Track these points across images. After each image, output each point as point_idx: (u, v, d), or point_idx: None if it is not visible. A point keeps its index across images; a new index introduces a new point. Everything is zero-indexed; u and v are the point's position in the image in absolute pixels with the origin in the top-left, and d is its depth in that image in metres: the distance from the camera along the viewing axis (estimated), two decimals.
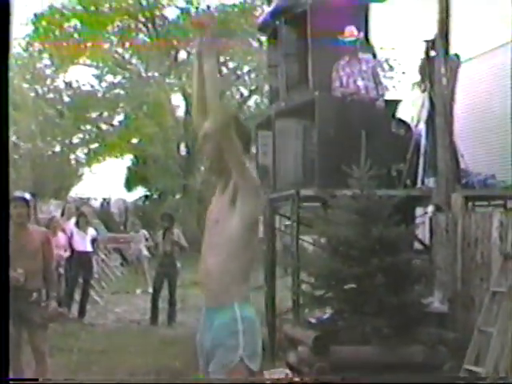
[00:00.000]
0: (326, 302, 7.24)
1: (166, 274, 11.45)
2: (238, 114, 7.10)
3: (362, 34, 8.51)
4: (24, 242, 6.14)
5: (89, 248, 11.89)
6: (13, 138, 24.07)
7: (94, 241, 12.20)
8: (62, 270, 11.09)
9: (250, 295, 3.48)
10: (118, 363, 7.96)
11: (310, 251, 9.24)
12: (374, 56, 9.04)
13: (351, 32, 8.31)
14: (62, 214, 13.57)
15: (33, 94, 24.98)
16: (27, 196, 6.42)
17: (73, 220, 12.23)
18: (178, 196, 28.44)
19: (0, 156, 1.80)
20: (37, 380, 2.22)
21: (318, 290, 7.24)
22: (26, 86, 24.47)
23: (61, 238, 11.13)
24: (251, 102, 27.53)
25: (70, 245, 11.53)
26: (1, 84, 1.84)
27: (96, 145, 27.76)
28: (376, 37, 9.16)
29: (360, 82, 8.41)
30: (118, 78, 26.74)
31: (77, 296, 11.83)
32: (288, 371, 6.26)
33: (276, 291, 9.30)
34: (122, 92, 26.47)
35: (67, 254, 11.37)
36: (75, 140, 27.60)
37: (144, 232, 18.52)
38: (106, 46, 26.32)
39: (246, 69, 26.54)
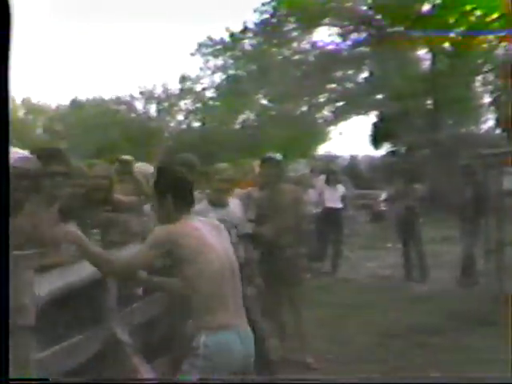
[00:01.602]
0: None
1: (409, 230, 11.27)
2: None
3: None
4: (277, 200, 6.36)
5: (339, 204, 12.04)
6: (263, 101, 25.02)
7: (343, 197, 12.32)
8: (313, 226, 11.38)
9: None
10: (370, 318, 8.01)
11: None
12: None
13: None
14: (311, 172, 13.87)
15: (280, 57, 25.67)
16: (278, 156, 6.62)
17: (322, 177, 12.45)
18: (425, 151, 27.84)
19: (0, 152, 1.84)
20: (37, 380, 2.26)
21: None
22: (274, 50, 25.19)
23: (311, 194, 11.39)
24: None
25: (321, 202, 11.77)
26: (1, 83, 1.85)
27: (341, 103, 27.95)
28: None
29: None
30: (363, 36, 26.61)
31: (329, 251, 12.09)
32: None
33: None
34: (366, 49, 26.32)
35: (318, 210, 11.63)
36: (321, 99, 28.00)
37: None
38: (349, 4, 26.23)
39: None
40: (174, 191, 3.72)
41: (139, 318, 4.99)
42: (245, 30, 24.03)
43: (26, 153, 4.17)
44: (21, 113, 36.33)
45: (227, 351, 3.64)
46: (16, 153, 4.05)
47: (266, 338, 5.39)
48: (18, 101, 36.27)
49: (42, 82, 57.05)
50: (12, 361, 3.39)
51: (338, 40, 26.68)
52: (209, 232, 3.79)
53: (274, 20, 26.12)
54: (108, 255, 3.74)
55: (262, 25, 24.01)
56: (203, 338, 3.62)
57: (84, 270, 4.05)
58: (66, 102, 34.14)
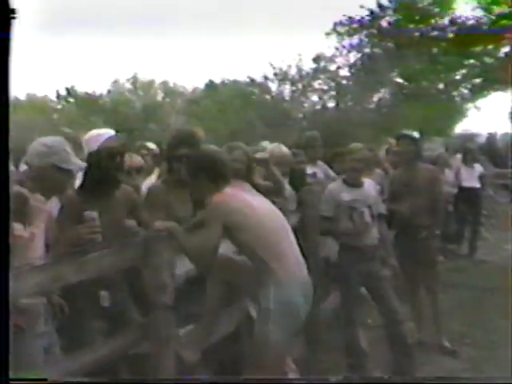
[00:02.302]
0: None
1: None
2: None
3: None
4: (412, 179, 6.24)
5: (476, 184, 11.66)
6: (399, 79, 24.52)
7: (481, 177, 11.90)
8: (450, 207, 11.09)
9: None
10: (508, 302, 7.72)
11: None
12: None
13: None
14: (446, 150, 13.49)
15: (417, 34, 25.01)
16: (415, 134, 6.49)
17: (459, 156, 12.09)
18: None
19: (0, 151, 1.82)
20: (37, 380, 2.22)
21: None
22: (411, 26, 24.57)
23: (448, 174, 11.09)
24: None
25: (457, 181, 11.44)
26: (1, 84, 1.83)
27: (479, 79, 26.91)
28: None
29: None
30: (504, 9, 25.43)
31: (466, 233, 11.75)
32: None
33: None
34: (510, 22, 25.15)
35: (455, 190, 11.31)
36: (458, 76, 27.09)
37: None
38: None
39: None
40: (208, 171, 3.83)
41: None
42: (381, 7, 23.56)
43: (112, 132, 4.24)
44: (159, 96, 37.55)
45: (292, 304, 3.72)
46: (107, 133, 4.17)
47: (401, 321, 5.32)
48: (157, 84, 37.50)
49: (179, 65, 58.60)
50: (153, 336, 3.55)
51: (480, 13, 25.65)
52: (252, 197, 3.92)
53: None
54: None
55: (399, 1, 23.46)
56: (270, 294, 3.68)
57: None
58: (202, 84, 34.93)
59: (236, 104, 26.62)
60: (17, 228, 3.16)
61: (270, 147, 6.09)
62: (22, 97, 38.27)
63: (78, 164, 3.71)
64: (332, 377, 3.09)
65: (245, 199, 3.82)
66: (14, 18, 1.72)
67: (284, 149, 6.09)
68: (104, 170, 3.98)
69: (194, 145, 4.45)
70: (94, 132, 4.21)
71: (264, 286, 3.71)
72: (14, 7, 1.73)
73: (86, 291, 3.73)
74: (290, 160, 6.08)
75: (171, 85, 38.98)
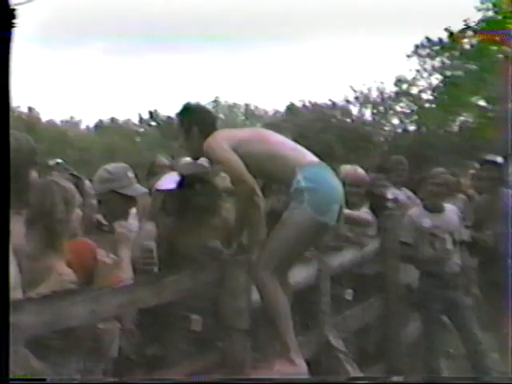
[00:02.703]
0: None
1: None
2: None
3: None
4: (497, 205, 6.08)
5: None
6: (481, 102, 24.00)
7: None
8: None
9: None
10: None
11: None
12: None
13: None
14: None
15: (500, 56, 24.47)
16: (499, 159, 6.32)
17: None
18: None
19: (0, 152, 1.78)
20: (37, 380, 2.15)
21: None
22: (494, 48, 24.05)
23: None
24: None
25: None
26: (1, 84, 1.78)
27: None
28: None
29: None
30: None
31: None
32: None
33: None
34: None
35: None
36: None
37: None
38: None
39: None
40: (199, 123, 3.83)
41: (353, 324, 4.98)
42: (465, 29, 23.17)
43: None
44: (240, 118, 37.93)
45: (325, 178, 3.68)
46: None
47: (485, 352, 5.15)
48: (238, 107, 37.93)
49: (260, 88, 59.20)
50: (229, 361, 3.54)
51: None
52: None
53: (498, 17, 24.90)
54: None
55: (483, 23, 23.03)
56: (299, 175, 3.60)
57: (298, 274, 4.11)
58: (282, 107, 35.11)
59: (316, 127, 26.60)
60: (101, 254, 3.25)
61: (346, 169, 6.03)
62: (106, 120, 39.30)
63: (139, 190, 3.83)
64: (332, 377, 2.99)
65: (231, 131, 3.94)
66: (13, 18, 1.73)
67: (360, 171, 6.01)
68: (199, 194, 4.05)
69: None
70: (187, 159, 4.36)
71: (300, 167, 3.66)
72: (14, 8, 1.74)
73: (178, 314, 3.79)
74: (365, 182, 5.99)
75: (252, 107, 39.37)
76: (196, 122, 3.86)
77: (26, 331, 2.47)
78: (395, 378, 2.00)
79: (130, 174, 3.82)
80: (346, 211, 5.36)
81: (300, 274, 4.15)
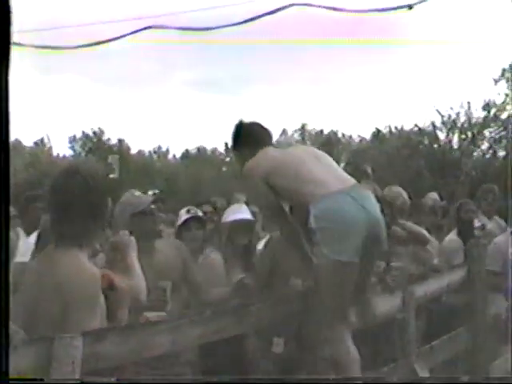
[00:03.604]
0: None
1: None
2: None
3: None
4: None
5: None
6: None
7: None
8: None
9: None
10: None
11: None
12: None
13: None
14: None
15: None
16: None
17: None
18: None
19: (0, 152, 1.75)
20: (37, 380, 2.06)
21: None
22: None
23: None
24: None
25: None
26: (1, 83, 1.76)
27: None
28: None
29: None
30: None
31: None
32: None
33: None
34: None
35: None
36: None
37: None
38: None
39: None
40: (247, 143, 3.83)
41: (441, 355, 4.87)
42: None
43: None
44: (326, 148, 37.87)
45: (339, 211, 3.39)
46: None
47: None
48: (325, 134, 37.89)
49: (346, 116, 58.99)
50: None
51: None
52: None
53: None
54: None
55: None
56: (310, 214, 3.39)
57: (382, 305, 4.07)
58: (369, 134, 34.89)
59: (403, 153, 26.30)
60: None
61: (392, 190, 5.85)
62: (193, 149, 39.93)
63: None
64: (331, 376, 2.88)
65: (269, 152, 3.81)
66: (11, 19, 1.78)
67: (396, 189, 5.80)
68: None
69: None
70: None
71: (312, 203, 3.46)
72: (11, 9, 1.79)
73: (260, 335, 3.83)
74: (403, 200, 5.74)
75: (339, 135, 39.28)
76: (244, 141, 3.87)
77: (111, 361, 2.53)
78: (396, 379, 1.94)
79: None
80: (408, 224, 5.25)
81: (384, 304, 4.11)
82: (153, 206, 3.91)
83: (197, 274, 3.94)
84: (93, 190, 2.47)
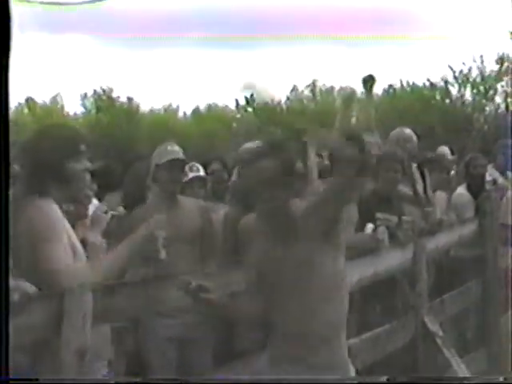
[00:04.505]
0: None
1: None
2: None
3: None
4: None
5: None
6: None
7: None
8: None
9: None
10: None
11: None
12: None
13: None
14: None
15: None
16: None
17: None
18: None
19: (0, 152, 1.74)
20: (37, 380, 2.06)
21: None
22: None
23: None
24: None
25: None
26: (1, 83, 1.74)
27: None
28: None
29: None
30: None
31: None
32: None
33: None
34: None
35: None
36: None
37: None
38: None
39: None
40: None
41: (451, 308, 4.88)
42: None
43: None
44: (337, 102, 37.56)
45: None
46: None
47: None
48: (336, 90, 37.58)
49: (358, 71, 58.38)
50: None
51: None
52: None
53: None
54: None
55: None
56: None
57: (393, 259, 4.07)
58: (380, 90, 34.58)
59: (416, 109, 26.09)
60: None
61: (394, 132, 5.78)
62: (203, 106, 39.75)
63: None
64: (331, 376, 2.89)
65: None
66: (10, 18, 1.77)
67: (408, 131, 5.71)
68: None
69: (358, 144, 4.43)
70: None
71: None
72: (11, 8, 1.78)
73: None
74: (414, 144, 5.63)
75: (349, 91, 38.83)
76: None
77: (121, 315, 2.55)
78: (396, 379, 1.91)
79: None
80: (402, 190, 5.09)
81: (395, 258, 4.11)
82: (181, 157, 3.98)
83: (214, 234, 3.96)
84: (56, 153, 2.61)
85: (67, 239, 2.50)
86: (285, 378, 3.26)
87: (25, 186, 2.64)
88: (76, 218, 3.16)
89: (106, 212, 2.46)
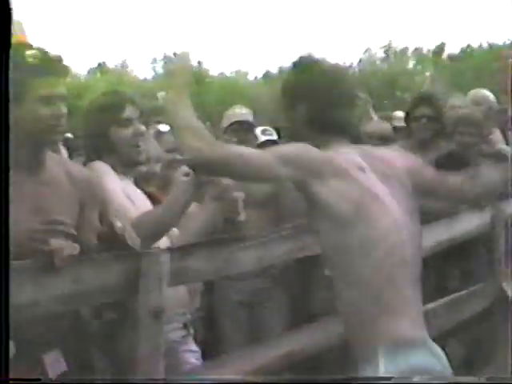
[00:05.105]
0: None
1: None
2: None
3: None
4: None
5: None
6: None
7: None
8: None
9: None
10: None
11: None
12: None
13: None
14: None
15: None
16: None
17: None
18: None
19: (0, 152, 1.66)
20: (37, 380, 1.96)
21: None
22: None
23: None
24: None
25: None
26: (1, 82, 1.66)
27: None
28: None
29: None
30: None
31: None
32: None
33: None
34: None
35: None
36: None
37: None
38: None
39: None
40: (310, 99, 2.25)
41: None
42: None
43: None
44: (411, 64, 36.91)
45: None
46: None
47: None
48: (410, 51, 36.85)
49: (431, 32, 57.07)
50: None
51: None
52: (379, 174, 2.22)
53: None
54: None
55: None
56: (381, 359, 2.05)
57: (471, 222, 3.96)
58: (458, 49, 33.73)
59: (493, 67, 25.37)
60: None
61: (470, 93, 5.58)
62: (274, 70, 39.62)
63: None
64: (331, 376, 2.76)
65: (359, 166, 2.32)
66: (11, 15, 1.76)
67: (485, 92, 5.51)
68: None
69: (433, 105, 4.36)
70: None
71: None
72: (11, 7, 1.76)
73: None
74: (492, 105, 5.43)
75: (425, 52, 38.03)
76: (305, 96, 2.25)
77: (197, 277, 2.55)
78: (396, 379, 1.81)
79: None
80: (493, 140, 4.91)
81: (472, 222, 4.00)
82: (247, 119, 3.97)
83: (290, 196, 3.93)
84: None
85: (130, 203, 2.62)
86: (285, 378, 3.20)
87: (84, 156, 2.89)
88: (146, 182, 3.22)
89: (187, 175, 2.44)
